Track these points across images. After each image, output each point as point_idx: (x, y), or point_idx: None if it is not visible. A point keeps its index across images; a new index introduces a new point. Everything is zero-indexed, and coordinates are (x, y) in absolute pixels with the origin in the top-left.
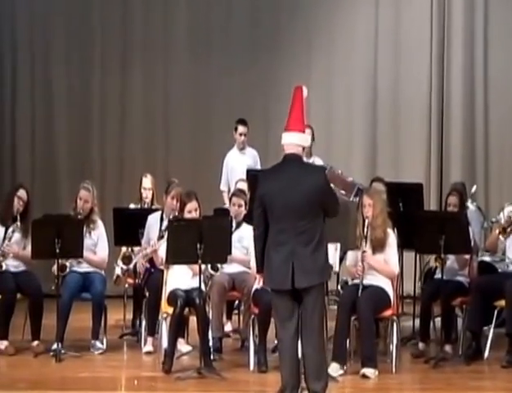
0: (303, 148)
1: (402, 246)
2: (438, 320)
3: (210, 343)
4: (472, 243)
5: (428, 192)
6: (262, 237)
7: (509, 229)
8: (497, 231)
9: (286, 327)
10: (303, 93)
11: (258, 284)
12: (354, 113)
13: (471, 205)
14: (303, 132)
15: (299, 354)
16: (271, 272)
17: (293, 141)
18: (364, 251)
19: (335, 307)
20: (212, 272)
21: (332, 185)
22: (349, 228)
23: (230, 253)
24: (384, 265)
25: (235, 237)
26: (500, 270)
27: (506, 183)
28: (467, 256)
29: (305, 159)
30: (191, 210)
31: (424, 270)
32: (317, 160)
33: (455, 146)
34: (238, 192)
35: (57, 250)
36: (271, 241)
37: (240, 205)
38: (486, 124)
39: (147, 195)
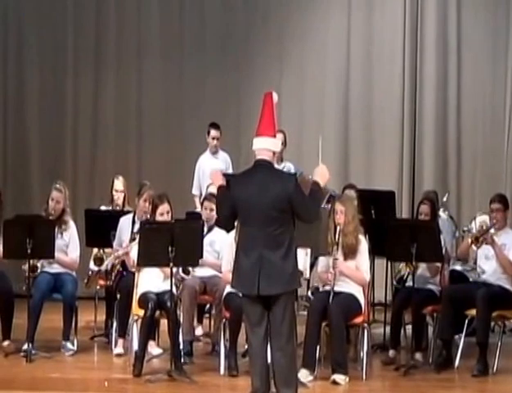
0: (274, 153)
1: (374, 253)
2: (409, 328)
3: (181, 346)
4: (443, 252)
5: (400, 200)
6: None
7: (481, 239)
8: (469, 240)
9: (255, 333)
10: (273, 99)
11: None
12: (326, 120)
13: (443, 214)
14: (274, 137)
15: (269, 360)
16: (239, 276)
17: (264, 146)
18: (335, 258)
19: (306, 313)
20: (183, 275)
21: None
22: (320, 234)
23: (201, 256)
24: (355, 272)
25: (206, 240)
26: (471, 279)
27: (478, 192)
28: (438, 264)
29: (276, 164)
30: (163, 213)
31: (395, 278)
32: (289, 166)
33: (427, 154)
34: (210, 196)
35: (29, 251)
36: (240, 245)
37: (211, 209)
38: (458, 133)
39: (119, 197)
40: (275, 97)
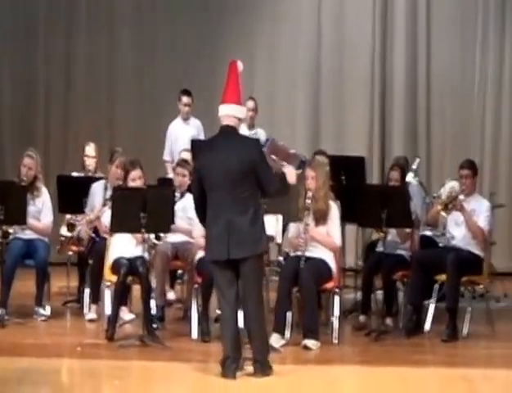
0: (239, 120)
1: (345, 219)
2: (380, 293)
3: (153, 312)
4: (413, 217)
5: (371, 166)
6: (201, 207)
7: (450, 205)
8: (439, 206)
9: (226, 298)
10: (238, 67)
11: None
12: (297, 86)
13: (413, 180)
14: (239, 104)
15: (240, 325)
16: (209, 243)
17: (228, 112)
18: (306, 224)
19: (277, 278)
20: (155, 241)
21: (275, 157)
22: (291, 200)
23: (173, 222)
24: (326, 238)
25: (178, 206)
26: (441, 245)
27: (448, 159)
28: (408, 230)
29: (247, 130)
30: (135, 178)
31: (366, 243)
32: (260, 132)
33: (397, 121)
34: (182, 162)
35: (1, 217)
36: (209, 213)
37: (183, 175)
38: (428, 100)
39: (90, 163)
40: (240, 65)
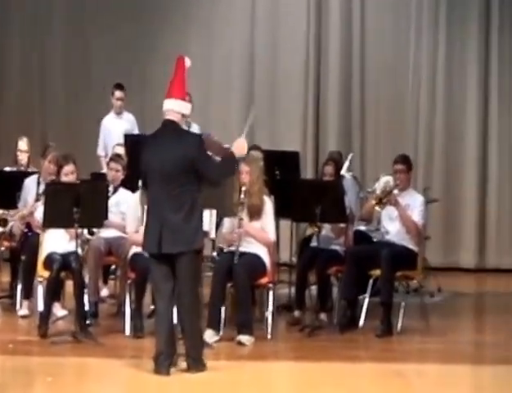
0: (183, 115)
1: (279, 214)
2: (314, 288)
3: (86, 307)
4: (347, 212)
5: (305, 161)
6: None
7: (384, 200)
8: (373, 202)
9: (161, 293)
10: (186, 63)
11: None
12: (231, 81)
13: (347, 175)
14: (184, 100)
15: (175, 321)
16: (145, 236)
17: (173, 107)
18: (241, 218)
19: (211, 274)
20: (88, 236)
21: (209, 152)
22: (226, 195)
23: (106, 218)
24: (260, 232)
25: (111, 201)
26: (375, 240)
27: (382, 153)
28: (343, 225)
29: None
30: (68, 173)
31: (300, 239)
32: (194, 127)
33: (331, 115)
34: (115, 157)
35: None
36: (148, 206)
37: (117, 170)
38: (362, 94)
39: (23, 157)
40: (187, 61)
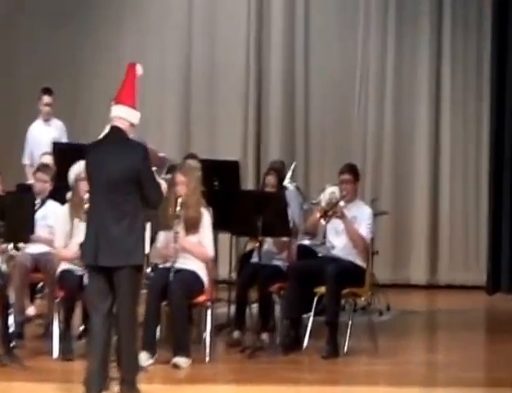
0: (131, 124)
1: (218, 227)
2: (255, 307)
3: (11, 328)
4: (291, 225)
5: (246, 170)
6: None
7: (330, 212)
8: (318, 214)
9: (97, 310)
10: (137, 71)
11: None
12: (167, 87)
13: (290, 185)
14: (133, 108)
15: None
16: (83, 246)
17: (121, 114)
18: (176, 232)
19: (145, 291)
20: (14, 252)
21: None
22: (160, 207)
23: (33, 232)
24: (197, 247)
25: (39, 214)
26: (320, 254)
27: (328, 162)
28: (285, 239)
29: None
30: None
31: (240, 254)
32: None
33: (273, 122)
34: (42, 167)
35: None
36: (88, 215)
37: (44, 181)
38: (306, 100)
39: None
40: (139, 69)
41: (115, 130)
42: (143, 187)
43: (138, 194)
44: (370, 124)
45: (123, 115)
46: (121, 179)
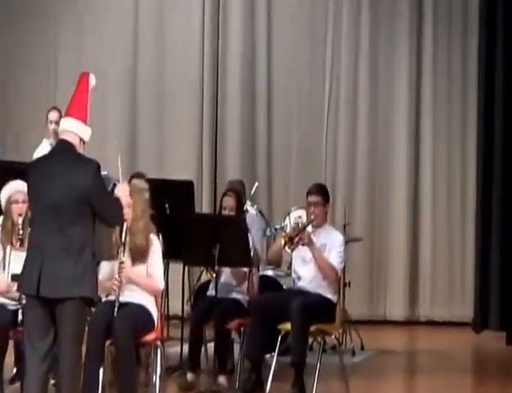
0: (81, 140)
1: (168, 255)
2: (211, 346)
3: None
4: (252, 254)
5: (200, 192)
6: None
7: (296, 239)
8: (282, 241)
9: (35, 349)
10: (90, 82)
11: None
12: (108, 92)
13: (251, 208)
14: (85, 122)
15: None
16: (22, 274)
17: (70, 128)
18: (121, 262)
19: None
20: None
21: None
22: (103, 234)
23: None
24: (145, 279)
25: None
26: (285, 287)
27: (293, 183)
28: (246, 269)
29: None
30: None
31: (194, 286)
32: None
33: (231, 138)
34: None
35: None
36: (30, 241)
37: None
38: (269, 113)
39: None
40: (92, 79)
41: (63, 144)
42: (96, 208)
43: (89, 217)
44: (342, 138)
45: (74, 129)
46: (68, 200)
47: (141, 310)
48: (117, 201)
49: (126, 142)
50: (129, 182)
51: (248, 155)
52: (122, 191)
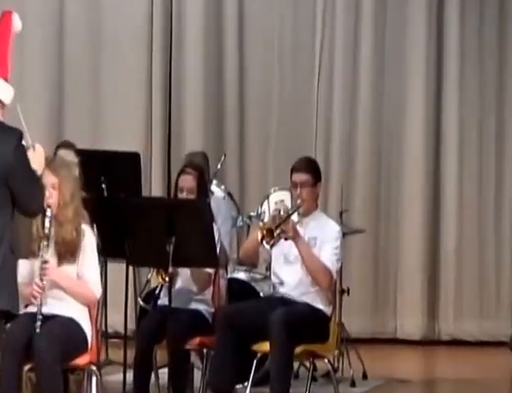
0: (1, 103)
1: (106, 253)
2: (164, 372)
3: None
4: (218, 250)
5: (149, 168)
6: None
7: (277, 231)
8: (259, 234)
9: None
10: (14, 25)
11: None
12: (29, 44)
13: (217, 190)
14: (5, 80)
15: None
16: None
17: None
18: (44, 261)
19: None
20: None
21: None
22: (20, 226)
23: None
24: (76, 283)
25: None
26: (262, 294)
27: (273, 158)
28: (210, 271)
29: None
30: None
31: (141, 293)
32: None
33: (191, 96)
34: None
35: None
36: None
37: None
38: (240, 65)
39: None
40: (16, 21)
41: None
42: (14, 190)
43: (7, 203)
44: (338, 94)
45: None
46: None
47: (71, 325)
48: (40, 181)
49: (48, 100)
50: (54, 154)
51: (213, 118)
52: (35, 160)
